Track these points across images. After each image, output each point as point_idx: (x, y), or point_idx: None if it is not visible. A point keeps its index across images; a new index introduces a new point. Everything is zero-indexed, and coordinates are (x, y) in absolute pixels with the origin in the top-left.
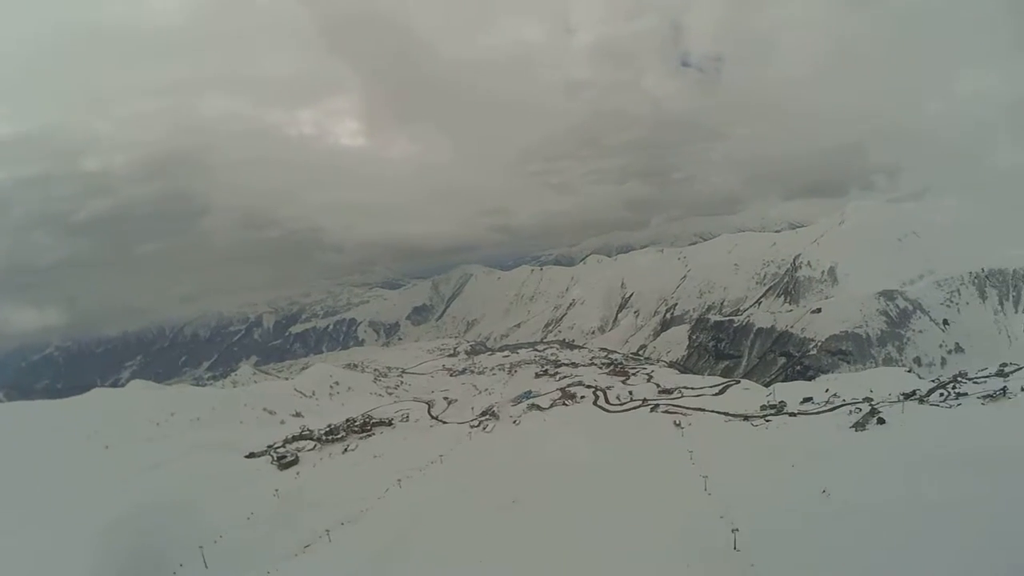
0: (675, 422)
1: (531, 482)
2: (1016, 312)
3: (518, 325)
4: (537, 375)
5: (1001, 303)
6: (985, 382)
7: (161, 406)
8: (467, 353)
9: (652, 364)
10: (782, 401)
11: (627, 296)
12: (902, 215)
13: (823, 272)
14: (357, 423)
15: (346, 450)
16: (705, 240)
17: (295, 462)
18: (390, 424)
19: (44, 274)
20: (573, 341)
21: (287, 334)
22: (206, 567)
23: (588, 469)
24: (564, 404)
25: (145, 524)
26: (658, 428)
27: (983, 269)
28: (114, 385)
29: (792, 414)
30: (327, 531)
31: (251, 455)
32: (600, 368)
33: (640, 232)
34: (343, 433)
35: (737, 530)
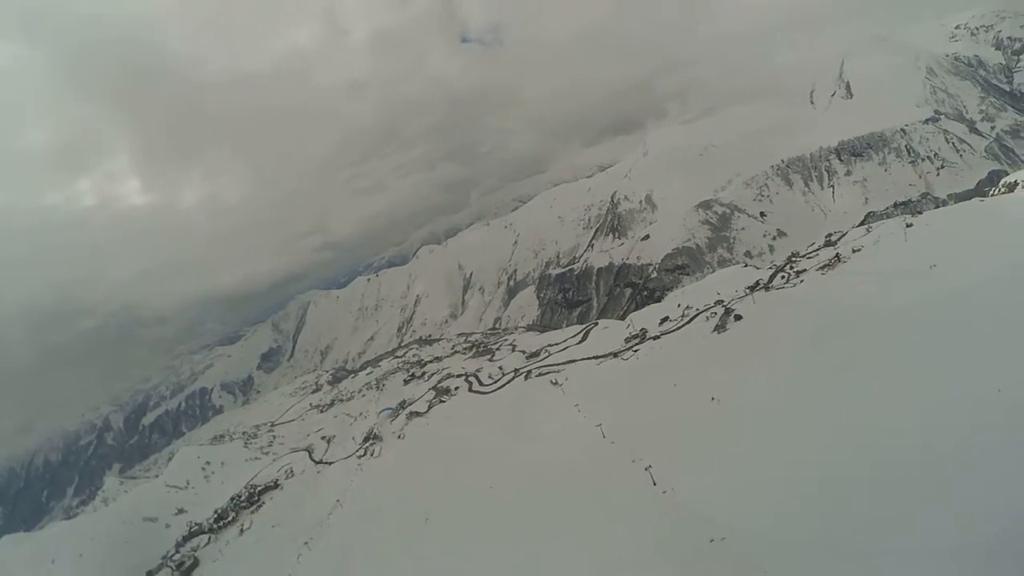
0: (552, 381)
1: (435, 491)
2: (822, 189)
3: (371, 338)
4: (406, 381)
5: (807, 184)
6: (818, 254)
7: (39, 558)
8: (330, 383)
9: (511, 333)
10: (643, 328)
11: (468, 276)
12: (698, 132)
13: (641, 201)
14: (243, 498)
15: (242, 531)
16: (525, 203)
17: (196, 565)
18: (276, 486)
19: None
20: (430, 336)
21: (141, 428)
22: None
23: (485, 457)
24: (441, 401)
25: None
26: (538, 393)
27: (782, 160)
28: None
29: (656, 337)
30: None
31: (149, 574)
32: (464, 354)
33: (463, 212)
34: (233, 514)
35: (651, 466)
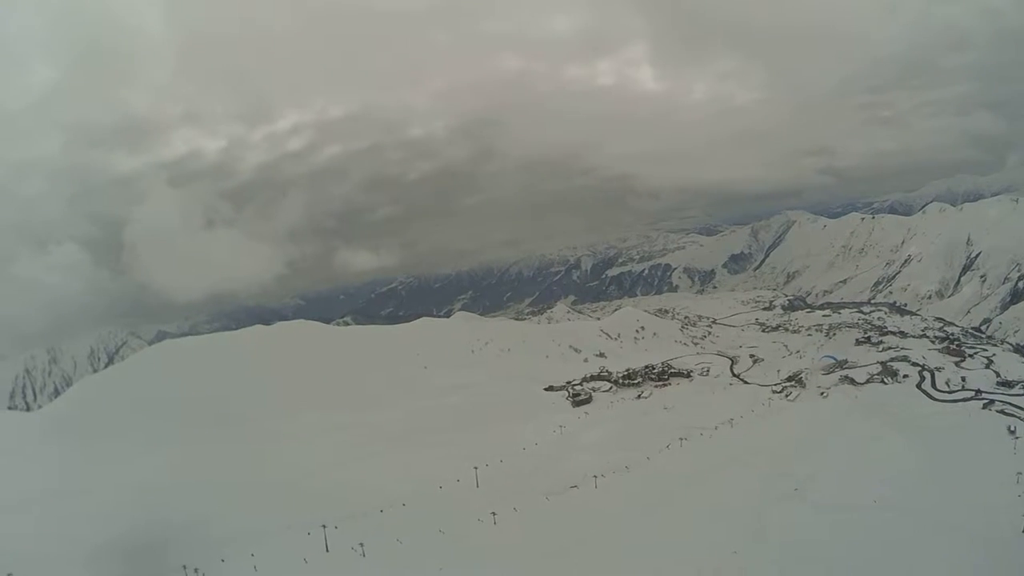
0: (1009, 428)
1: (817, 470)
2: None
3: (843, 281)
4: (858, 342)
5: None
6: None
7: (478, 335)
8: (783, 308)
9: (995, 345)
10: None
11: (972, 256)
12: None
13: None
14: (655, 370)
15: (639, 396)
16: None
17: (588, 401)
18: (688, 376)
19: (382, 225)
20: (904, 305)
21: (603, 276)
22: (477, 486)
23: (886, 477)
24: (883, 382)
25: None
26: (985, 433)
27: None
28: (446, 315)
29: None
30: (595, 476)
31: (550, 388)
32: (932, 342)
33: (991, 176)
34: (640, 379)
35: None
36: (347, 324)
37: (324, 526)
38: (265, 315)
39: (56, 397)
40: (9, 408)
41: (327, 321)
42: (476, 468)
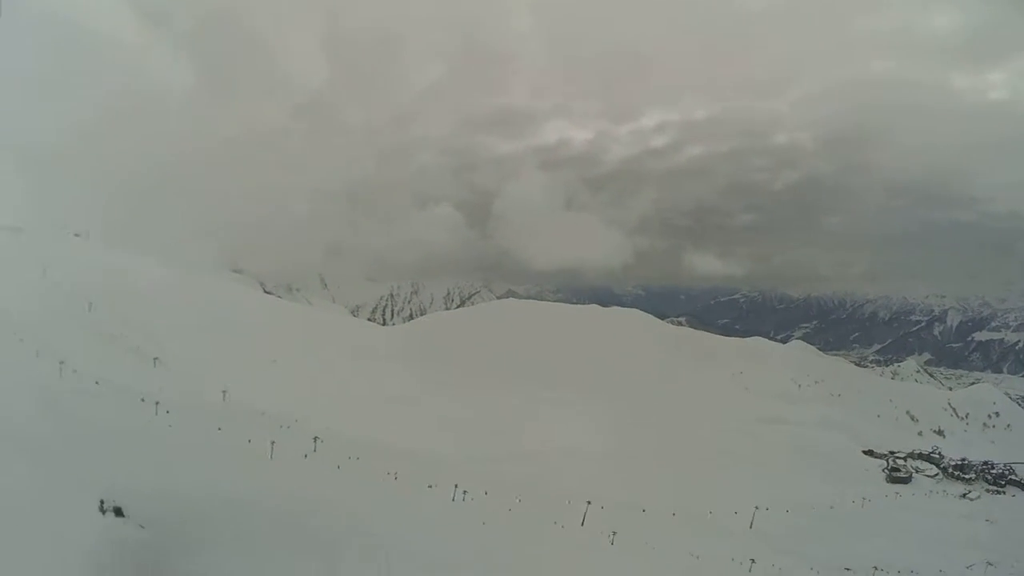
0: None
1: None
2: None
3: None
4: None
5: None
6: None
7: (809, 371)
8: None
9: None
10: None
11: None
12: None
13: None
14: (993, 471)
15: (965, 495)
16: None
17: (906, 480)
18: None
19: (735, 233)
20: None
21: (969, 339)
22: (750, 527)
23: None
24: None
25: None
26: None
27: None
28: (783, 340)
29: None
30: (876, 568)
31: (869, 452)
32: None
33: None
34: (973, 476)
35: None
36: (680, 324)
37: (589, 503)
38: (605, 297)
39: (409, 321)
40: (369, 319)
41: (662, 317)
42: (756, 508)
